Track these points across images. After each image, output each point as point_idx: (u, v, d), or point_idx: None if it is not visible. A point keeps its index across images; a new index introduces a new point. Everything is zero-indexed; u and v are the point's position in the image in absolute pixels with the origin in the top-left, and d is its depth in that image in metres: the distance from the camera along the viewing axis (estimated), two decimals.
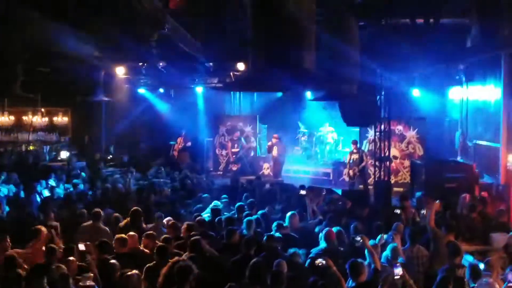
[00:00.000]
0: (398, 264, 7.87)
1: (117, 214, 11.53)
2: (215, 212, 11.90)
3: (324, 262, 7.81)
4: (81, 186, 15.61)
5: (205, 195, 14.16)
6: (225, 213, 11.95)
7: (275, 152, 21.46)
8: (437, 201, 10.62)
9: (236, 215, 11.54)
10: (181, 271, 6.80)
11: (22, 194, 14.81)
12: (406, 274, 7.84)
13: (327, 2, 12.71)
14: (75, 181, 15.99)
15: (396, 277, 7.69)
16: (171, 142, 24.45)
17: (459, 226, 10.94)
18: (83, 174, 17.42)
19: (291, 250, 8.79)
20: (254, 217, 10.82)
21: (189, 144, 23.53)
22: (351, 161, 19.08)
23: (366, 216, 11.96)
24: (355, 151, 19.04)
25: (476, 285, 7.45)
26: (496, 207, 13.31)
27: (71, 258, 8.24)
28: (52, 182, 15.92)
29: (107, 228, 10.67)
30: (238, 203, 12.40)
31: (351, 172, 19.00)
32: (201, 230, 9.81)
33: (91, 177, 17.42)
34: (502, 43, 14.47)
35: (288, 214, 10.78)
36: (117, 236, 9.37)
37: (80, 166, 19.34)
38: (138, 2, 11.92)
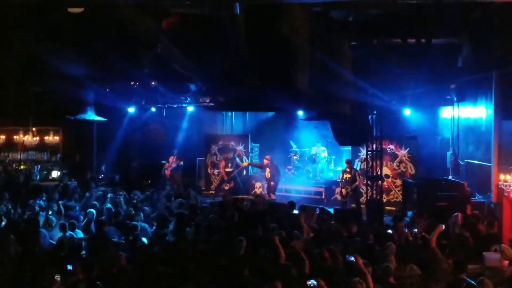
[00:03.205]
0: None
1: None
2: None
3: (315, 283, 7.78)
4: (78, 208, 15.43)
5: None
6: None
7: (268, 173, 21.31)
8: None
9: None
10: None
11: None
12: None
13: (320, 23, 12.75)
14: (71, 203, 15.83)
15: None
16: (163, 161, 24.35)
17: (452, 245, 10.97)
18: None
19: None
20: None
21: (181, 163, 23.40)
22: (343, 180, 18.93)
23: (357, 235, 11.92)
24: (348, 170, 18.81)
25: None
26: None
27: None
28: (42, 202, 15.75)
29: None
30: None
31: (343, 191, 18.83)
32: None
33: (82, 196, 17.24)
34: (493, 63, 14.57)
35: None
36: None
37: (71, 185, 19.21)
38: (131, 22, 11.93)
